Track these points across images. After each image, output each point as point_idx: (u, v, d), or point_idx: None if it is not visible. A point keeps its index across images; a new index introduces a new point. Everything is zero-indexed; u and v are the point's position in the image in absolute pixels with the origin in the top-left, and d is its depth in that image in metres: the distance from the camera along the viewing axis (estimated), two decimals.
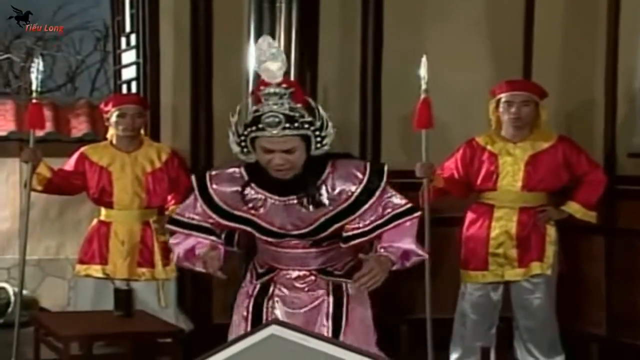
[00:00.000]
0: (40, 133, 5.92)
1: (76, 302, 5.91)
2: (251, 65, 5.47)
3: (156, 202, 5.78)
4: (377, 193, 3.26)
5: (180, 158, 5.91)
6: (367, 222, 3.28)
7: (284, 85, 3.14)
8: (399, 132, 6.37)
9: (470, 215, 5.60)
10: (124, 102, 5.78)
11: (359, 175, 3.27)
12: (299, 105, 3.16)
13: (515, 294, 5.52)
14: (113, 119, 5.70)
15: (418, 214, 3.34)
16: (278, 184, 3.26)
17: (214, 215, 3.33)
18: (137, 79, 6.51)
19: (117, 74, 6.97)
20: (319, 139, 3.17)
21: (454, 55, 6.34)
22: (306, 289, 3.37)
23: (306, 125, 3.14)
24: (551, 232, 5.47)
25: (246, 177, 3.30)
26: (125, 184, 5.70)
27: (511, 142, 5.51)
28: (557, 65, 6.33)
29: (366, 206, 3.26)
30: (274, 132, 3.11)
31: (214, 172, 3.38)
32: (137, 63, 6.62)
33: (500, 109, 5.49)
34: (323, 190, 3.26)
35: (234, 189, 3.30)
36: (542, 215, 5.47)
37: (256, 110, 3.15)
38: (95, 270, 5.68)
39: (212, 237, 3.36)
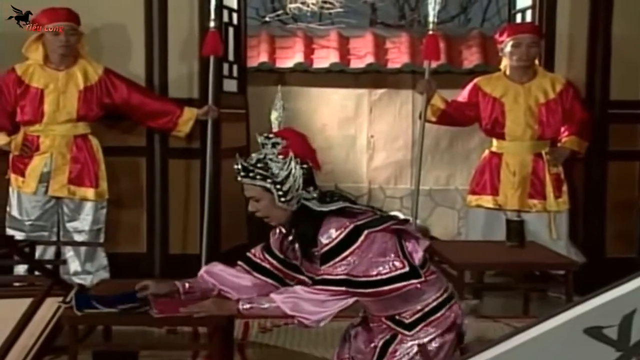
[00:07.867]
0: (433, 65, 6.01)
1: (467, 231, 5.99)
2: None
3: (549, 134, 5.73)
4: (329, 263, 3.07)
5: (574, 89, 5.79)
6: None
7: (269, 135, 3.15)
8: None
9: None
10: (519, 32, 5.73)
11: (334, 234, 3.10)
12: (280, 157, 3.12)
13: None
14: (507, 49, 5.69)
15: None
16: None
17: (274, 262, 3.35)
18: (532, 7, 6.36)
19: (511, 3, 6.85)
20: (280, 192, 3.12)
21: None
22: (372, 330, 3.29)
23: (259, 177, 3.13)
24: None
25: None
26: (518, 115, 5.69)
27: None
28: None
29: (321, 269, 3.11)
30: (238, 179, 3.18)
31: None
32: None
33: None
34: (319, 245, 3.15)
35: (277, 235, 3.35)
36: None
37: None
38: (487, 201, 5.75)
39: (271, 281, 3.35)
